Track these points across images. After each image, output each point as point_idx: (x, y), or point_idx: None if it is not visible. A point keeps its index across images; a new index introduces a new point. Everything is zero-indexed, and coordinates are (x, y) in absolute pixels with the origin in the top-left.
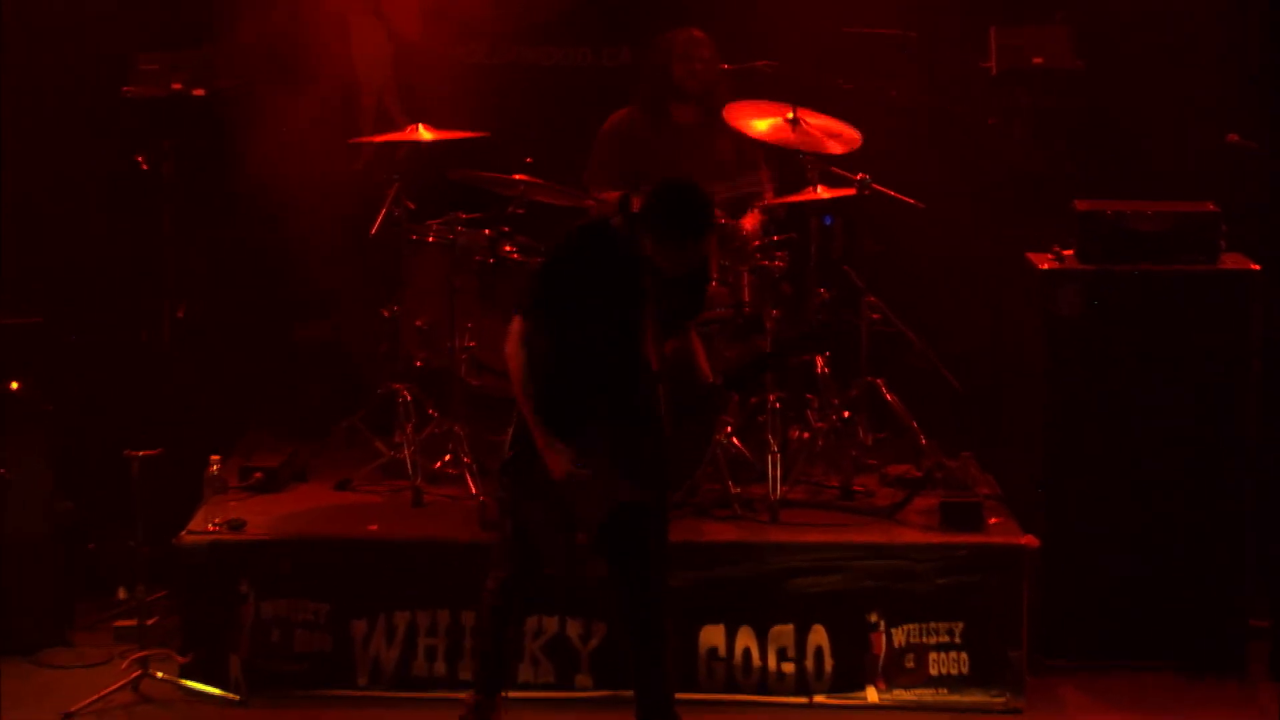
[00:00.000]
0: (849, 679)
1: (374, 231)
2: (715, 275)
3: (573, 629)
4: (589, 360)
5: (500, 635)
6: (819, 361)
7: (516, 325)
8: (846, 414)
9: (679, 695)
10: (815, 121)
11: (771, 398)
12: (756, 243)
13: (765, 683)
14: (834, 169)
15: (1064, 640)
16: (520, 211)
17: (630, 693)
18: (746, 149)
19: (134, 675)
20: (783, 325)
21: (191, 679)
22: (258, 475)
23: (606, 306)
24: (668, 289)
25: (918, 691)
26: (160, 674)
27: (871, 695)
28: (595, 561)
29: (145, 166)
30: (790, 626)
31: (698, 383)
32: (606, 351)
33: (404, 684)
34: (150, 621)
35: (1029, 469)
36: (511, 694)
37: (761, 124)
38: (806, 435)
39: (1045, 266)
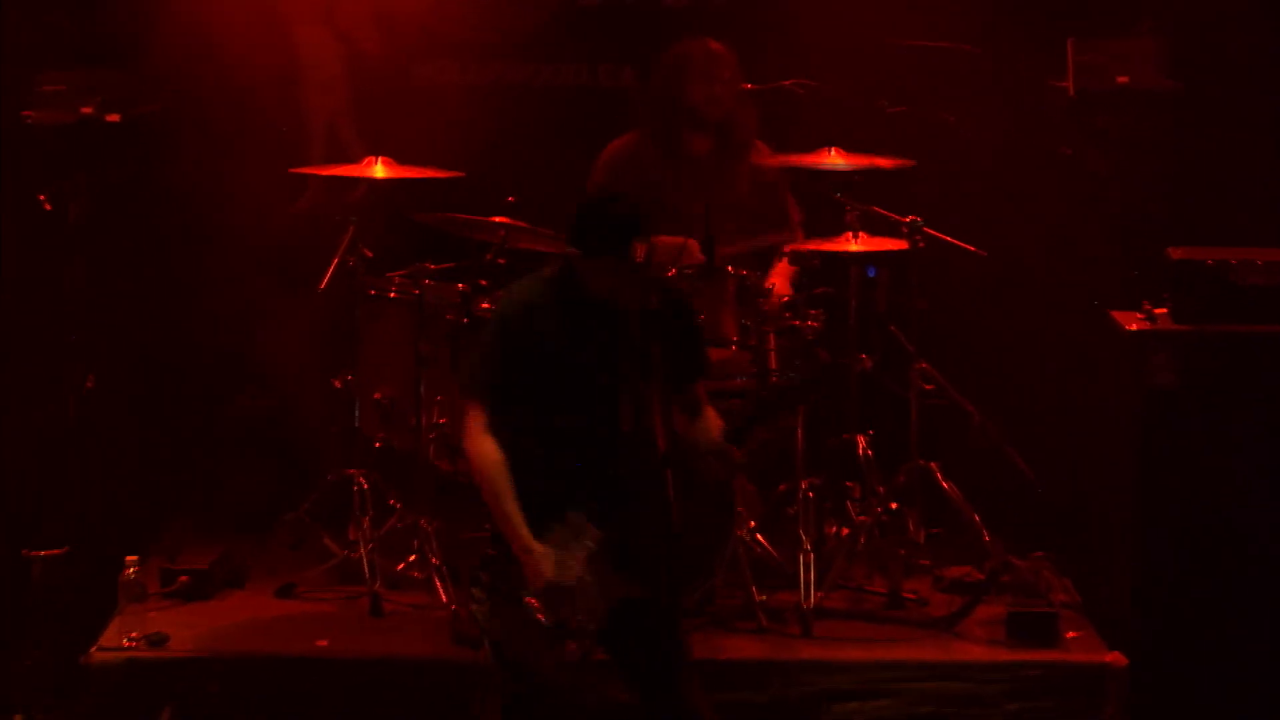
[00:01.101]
0: None
1: (324, 285)
2: (734, 335)
3: None
4: (564, 440)
5: None
6: (860, 442)
7: (469, 415)
8: (894, 505)
9: None
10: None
11: (804, 485)
12: (785, 299)
13: None
14: (879, 210)
15: None
16: (501, 262)
17: None
18: (770, 186)
19: None
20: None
21: None
22: (183, 579)
23: (573, 372)
24: (653, 344)
25: None
26: None
27: None
28: (605, 681)
29: (49, 207)
30: None
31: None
32: (584, 426)
33: None
34: None
35: (1115, 572)
36: None
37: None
38: (846, 531)
39: (1134, 327)
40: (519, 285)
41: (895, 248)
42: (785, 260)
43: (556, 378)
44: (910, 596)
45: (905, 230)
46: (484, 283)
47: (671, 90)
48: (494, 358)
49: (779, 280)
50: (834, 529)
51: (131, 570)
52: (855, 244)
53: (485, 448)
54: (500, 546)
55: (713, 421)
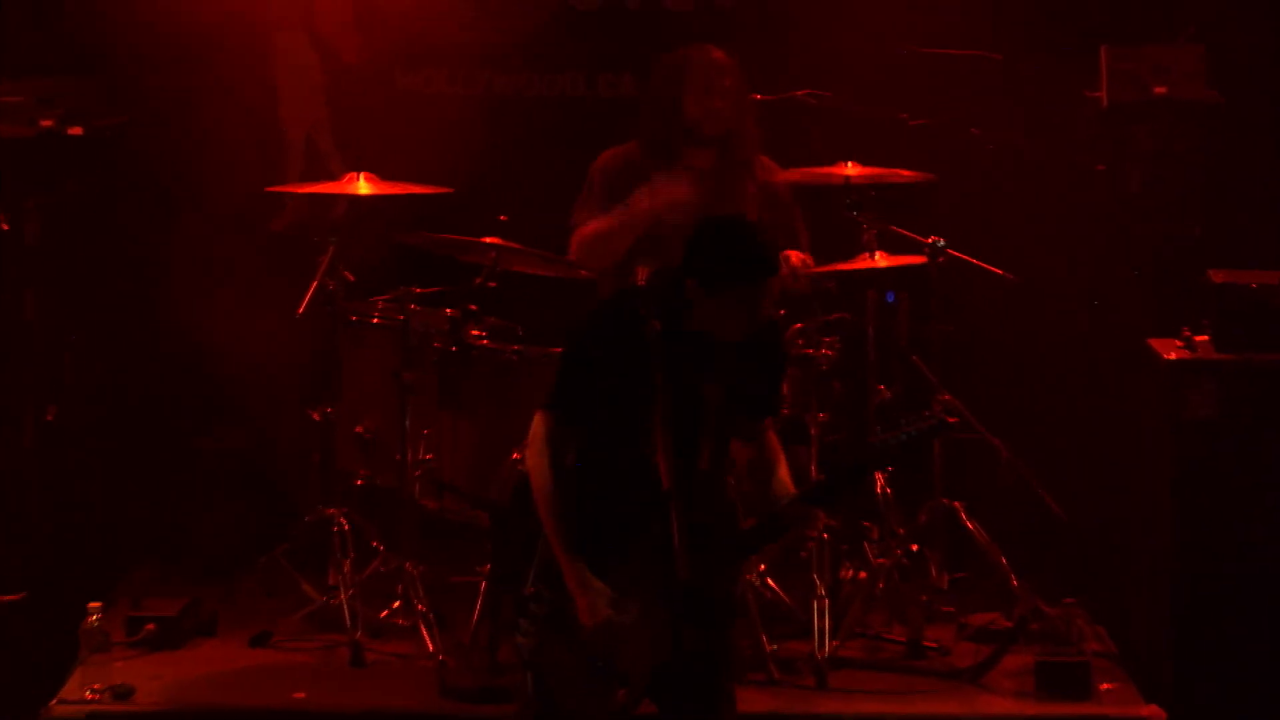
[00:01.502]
0: None
1: (301, 310)
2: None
3: None
4: (638, 473)
5: None
6: (879, 479)
7: (539, 425)
8: (915, 547)
9: None
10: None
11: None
12: (798, 325)
13: None
14: (899, 229)
15: None
16: (492, 285)
17: None
18: (784, 206)
19: None
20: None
21: None
22: (150, 627)
23: (659, 401)
24: (733, 376)
25: None
26: None
27: None
28: None
29: (5, 226)
30: None
31: (776, 499)
32: (652, 460)
33: None
34: None
35: (1152, 619)
36: None
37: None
38: (863, 575)
39: (1172, 356)
40: (614, 301)
41: (916, 269)
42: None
43: (639, 404)
44: (932, 645)
45: (927, 251)
46: (474, 308)
47: (667, 102)
48: (574, 371)
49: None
50: (850, 573)
51: (94, 617)
52: (873, 266)
53: (544, 463)
54: (543, 582)
55: (782, 464)
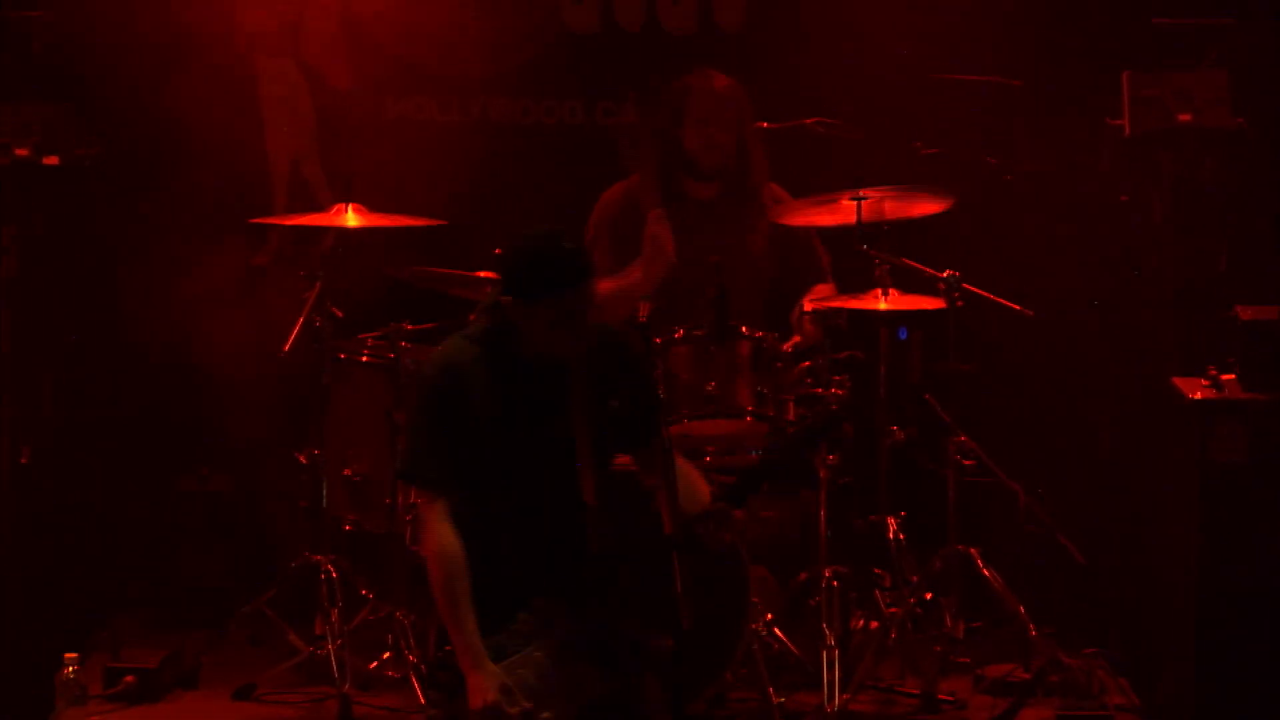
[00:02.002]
0: None
1: (287, 348)
2: (749, 404)
3: None
4: (521, 520)
5: None
6: (891, 524)
7: (421, 506)
8: (929, 595)
9: None
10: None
11: (827, 573)
12: (805, 363)
13: None
14: (912, 263)
15: None
16: None
17: None
18: (793, 231)
19: None
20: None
21: None
22: (129, 679)
23: (516, 440)
24: (594, 396)
25: None
26: None
27: None
28: None
29: None
30: None
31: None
32: (540, 502)
33: None
34: None
35: (1177, 671)
36: None
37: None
38: (875, 624)
39: (1198, 396)
40: (441, 347)
41: (930, 306)
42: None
43: (498, 449)
44: (947, 698)
45: (942, 286)
46: None
47: (666, 133)
48: (426, 434)
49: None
50: (861, 622)
51: (70, 669)
52: (885, 302)
53: (436, 541)
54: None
55: (696, 481)
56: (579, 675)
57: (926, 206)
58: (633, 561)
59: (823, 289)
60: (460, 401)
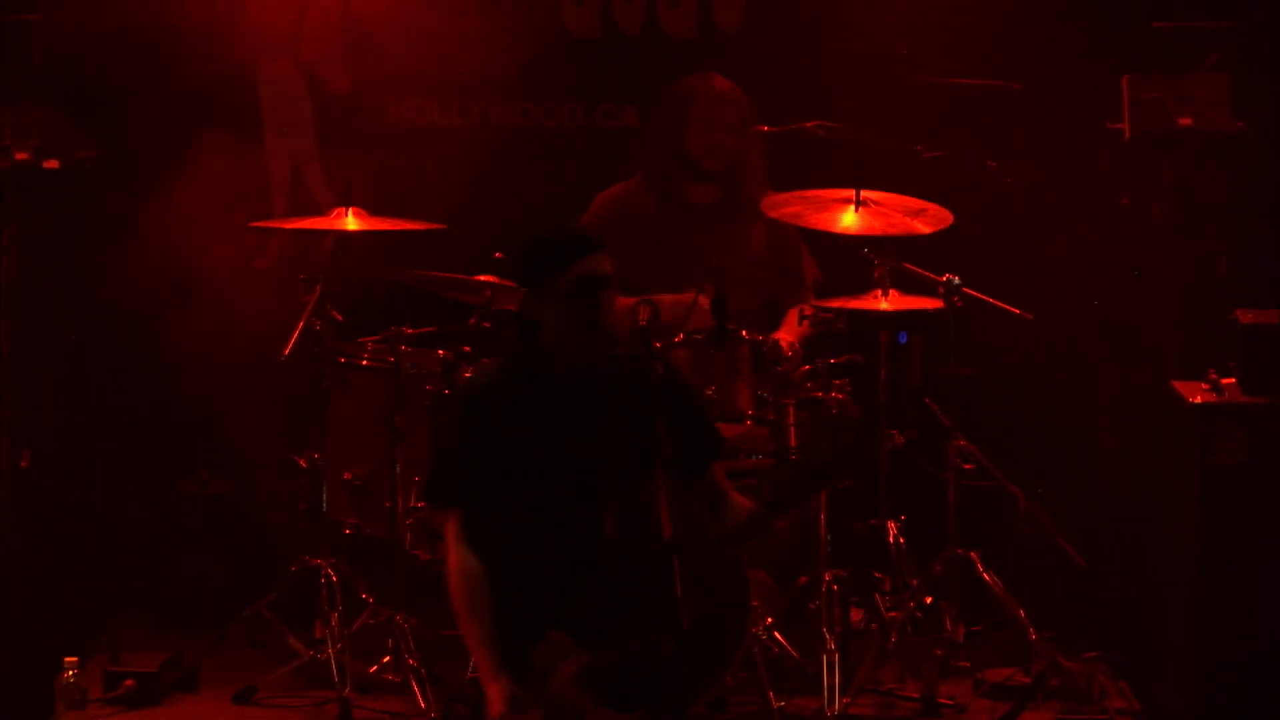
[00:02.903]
0: None
1: (287, 352)
2: (749, 408)
3: None
4: (541, 547)
5: None
6: (891, 528)
7: (446, 526)
8: (929, 599)
9: None
10: (885, 200)
11: (827, 576)
12: (805, 368)
13: None
14: (912, 266)
15: None
16: (486, 325)
17: None
18: (788, 240)
19: None
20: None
21: None
22: (129, 683)
23: (542, 465)
24: (648, 422)
25: None
26: None
27: None
28: None
29: None
30: None
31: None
32: (560, 531)
33: None
34: None
35: (1178, 675)
36: None
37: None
38: (875, 627)
39: (1198, 399)
40: (479, 367)
41: (930, 309)
42: (805, 324)
43: (525, 473)
44: (947, 702)
45: (941, 290)
46: (467, 349)
47: (669, 136)
48: (458, 454)
49: (786, 336)
50: (861, 626)
51: (70, 672)
52: (884, 305)
53: (458, 561)
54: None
55: (743, 510)
56: (589, 708)
57: (924, 227)
58: (648, 596)
59: (784, 334)
60: (486, 424)
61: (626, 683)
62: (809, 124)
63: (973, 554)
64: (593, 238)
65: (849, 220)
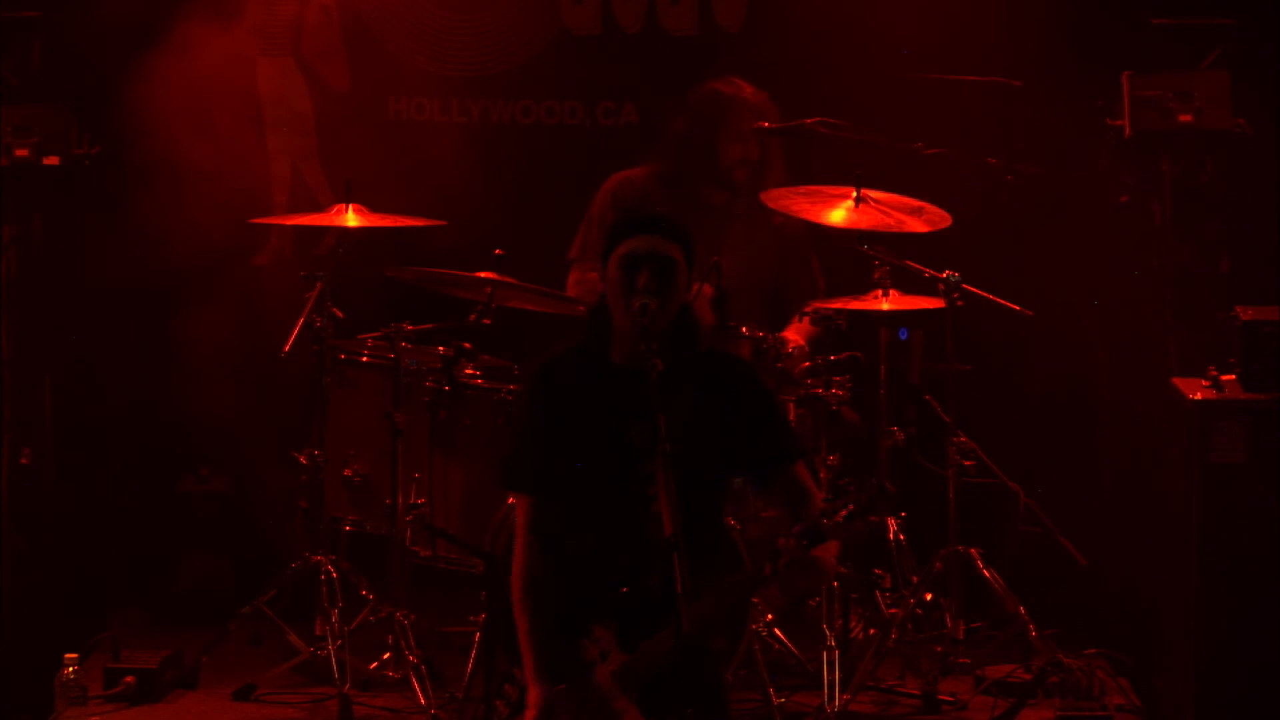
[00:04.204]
0: None
1: (287, 349)
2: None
3: None
4: (592, 542)
5: None
6: (891, 525)
7: (519, 510)
8: (929, 596)
9: None
10: (884, 199)
11: None
12: (806, 364)
13: None
14: (912, 264)
15: None
16: (487, 322)
17: None
18: (794, 244)
19: None
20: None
21: None
22: (129, 680)
23: (595, 457)
24: (687, 416)
25: None
26: None
27: None
28: None
29: None
30: None
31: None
32: (610, 528)
33: None
34: None
35: (1178, 671)
36: None
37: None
38: (873, 631)
39: (1198, 396)
40: (553, 349)
41: (930, 306)
42: (806, 320)
43: (582, 461)
44: (948, 699)
45: (942, 287)
46: (468, 346)
47: (701, 142)
48: (519, 440)
49: (794, 336)
50: (862, 623)
51: (70, 669)
52: (885, 303)
53: (525, 551)
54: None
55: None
56: (625, 708)
57: (922, 226)
58: (699, 601)
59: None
60: (552, 408)
61: (660, 686)
62: (809, 121)
63: (973, 551)
64: (661, 220)
65: (838, 216)
